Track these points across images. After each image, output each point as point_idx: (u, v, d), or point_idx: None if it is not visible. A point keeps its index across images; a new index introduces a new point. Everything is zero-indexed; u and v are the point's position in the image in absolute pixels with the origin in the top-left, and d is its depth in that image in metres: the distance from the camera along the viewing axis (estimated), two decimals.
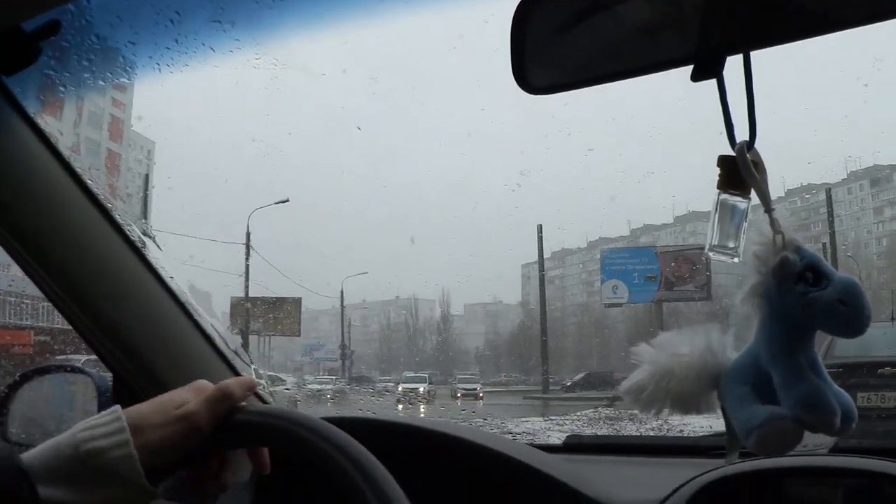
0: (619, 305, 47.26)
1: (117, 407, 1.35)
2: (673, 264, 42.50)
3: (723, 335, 1.46)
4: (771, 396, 1.31)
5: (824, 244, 36.95)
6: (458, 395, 34.48)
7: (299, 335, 44.73)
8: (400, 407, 26.31)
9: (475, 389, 37.07)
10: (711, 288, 42.34)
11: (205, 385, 1.43)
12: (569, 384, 40.94)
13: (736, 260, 1.34)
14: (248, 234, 35.32)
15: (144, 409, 1.37)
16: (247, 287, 35.83)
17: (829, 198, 42.13)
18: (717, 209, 1.34)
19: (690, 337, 1.46)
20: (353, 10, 1.83)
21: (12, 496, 1.21)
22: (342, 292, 47.85)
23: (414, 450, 2.05)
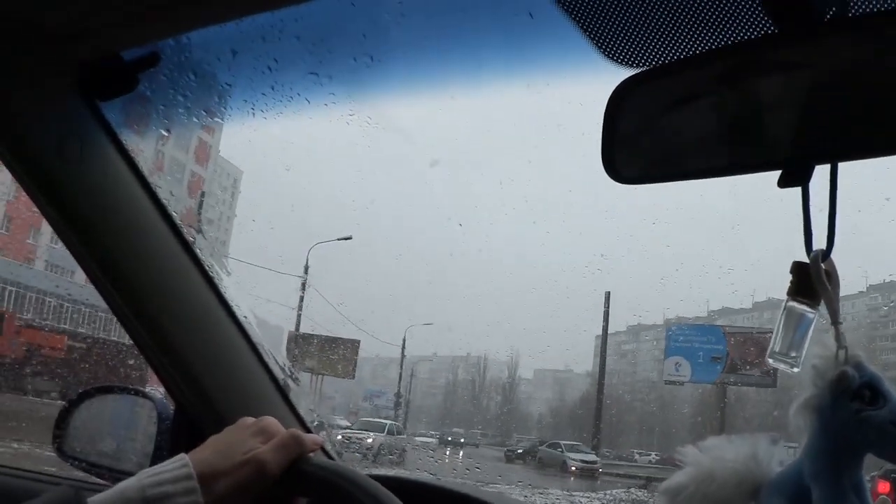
0: (681, 384, 45.69)
1: (184, 455, 1.36)
2: (741, 347, 41.21)
3: (771, 445, 1.41)
4: None
5: None
6: (572, 469, 29.98)
7: (353, 377, 44.15)
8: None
9: (595, 464, 31.46)
10: (778, 376, 41.14)
11: (272, 427, 1.45)
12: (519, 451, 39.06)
13: (795, 370, 1.31)
14: (306, 267, 35.45)
15: (210, 456, 1.38)
16: (298, 319, 35.87)
17: None
18: (783, 316, 1.31)
19: (738, 443, 1.41)
20: (448, 78, 1.84)
21: None
22: (404, 341, 47.77)
23: None
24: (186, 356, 2.03)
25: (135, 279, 1.94)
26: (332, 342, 39.31)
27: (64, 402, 2.46)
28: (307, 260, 35.88)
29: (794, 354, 1.31)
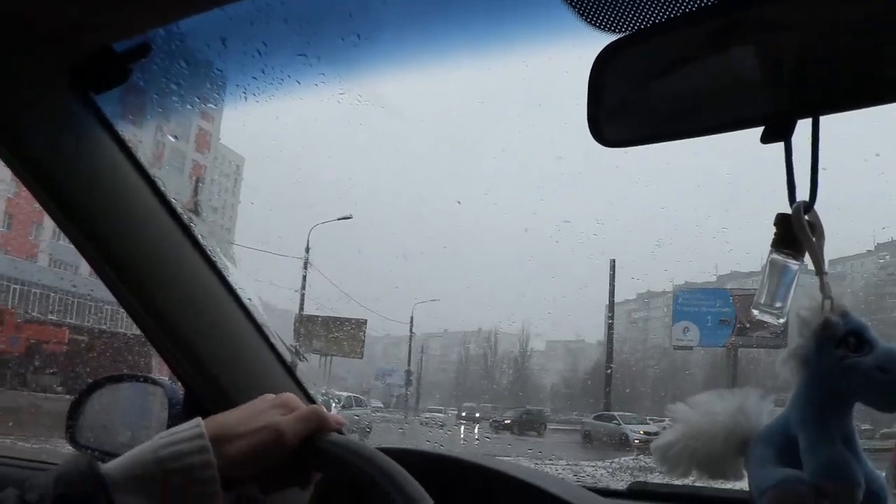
0: (690, 349, 44.97)
1: (198, 418, 1.38)
2: (749, 309, 40.71)
3: (760, 399, 1.43)
4: (796, 462, 1.28)
5: None
6: (635, 441, 26.18)
7: (361, 357, 43.69)
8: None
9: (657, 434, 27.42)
10: (788, 336, 40.70)
11: (293, 401, 1.46)
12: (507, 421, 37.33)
13: (781, 321, 1.32)
14: (307, 248, 35.23)
15: (227, 419, 1.40)
16: (302, 299, 35.69)
17: None
18: (767, 267, 1.32)
19: (726, 398, 1.43)
20: (435, 53, 1.85)
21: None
22: (412, 318, 47.62)
23: (466, 485, 2.06)
24: (193, 340, 2.06)
25: (138, 268, 1.96)
26: (339, 322, 38.89)
27: (70, 396, 2.48)
28: (308, 241, 35.66)
29: (779, 305, 1.32)
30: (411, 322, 47.42)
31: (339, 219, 36.87)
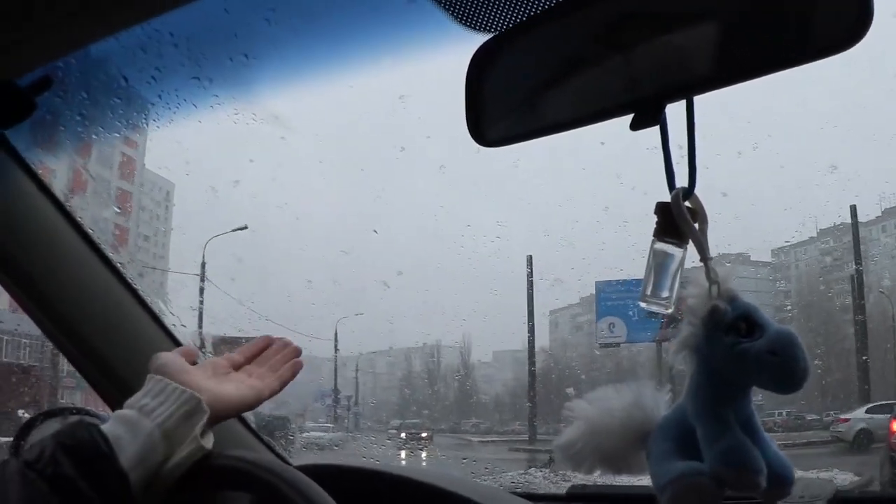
0: (617, 346, 42.51)
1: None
2: (679, 297, 39.84)
3: (657, 391, 1.41)
4: (696, 453, 1.25)
5: (852, 276, 35.45)
6: None
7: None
8: None
9: None
10: None
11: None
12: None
13: (669, 311, 1.31)
14: (203, 265, 34.51)
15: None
16: (200, 315, 35.06)
17: (854, 227, 39.41)
18: (650, 257, 1.30)
19: (623, 393, 1.41)
20: (321, 67, 1.88)
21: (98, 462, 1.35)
22: (336, 335, 46.97)
23: (384, 496, 2.07)
24: (115, 366, 2.08)
25: (57, 298, 1.98)
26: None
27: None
28: (203, 256, 34.80)
29: (665, 295, 1.30)
30: (336, 338, 46.73)
31: (234, 230, 36.06)
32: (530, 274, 36.00)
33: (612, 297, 41.22)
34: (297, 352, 1.76)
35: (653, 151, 1.26)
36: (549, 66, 1.34)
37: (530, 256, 36.28)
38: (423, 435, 32.58)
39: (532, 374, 38.29)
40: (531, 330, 39.02)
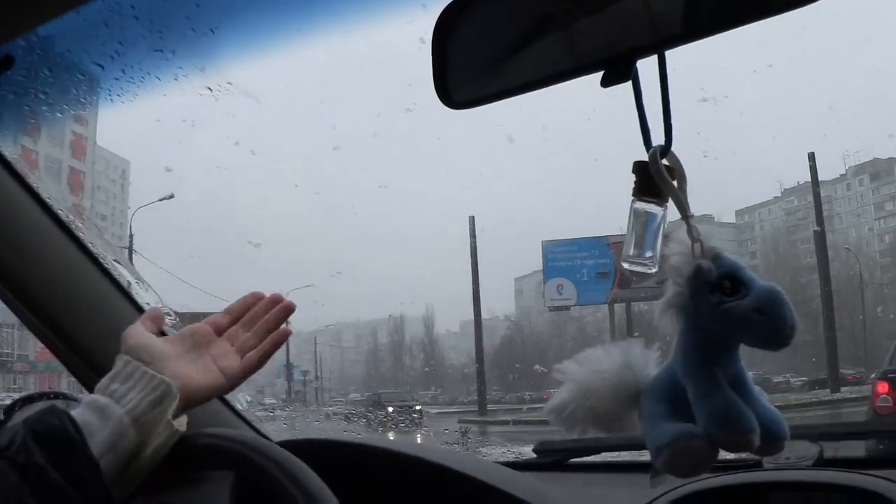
0: (567, 308, 42.58)
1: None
2: None
3: (646, 350, 1.41)
4: (688, 414, 1.26)
5: (815, 231, 35.34)
6: None
7: None
8: None
9: None
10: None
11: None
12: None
13: (653, 271, 1.30)
14: (130, 236, 34.06)
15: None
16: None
17: (815, 185, 38.73)
18: (630, 218, 1.29)
19: (612, 353, 1.41)
20: (287, 35, 1.86)
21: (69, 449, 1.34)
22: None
23: (366, 469, 2.05)
24: (91, 349, 2.06)
25: (27, 276, 1.97)
26: (192, 317, 37.90)
27: None
28: (130, 227, 34.29)
29: (649, 255, 1.29)
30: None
31: (160, 199, 35.72)
32: (473, 237, 35.46)
33: (559, 258, 40.40)
34: (289, 309, 1.70)
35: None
36: (517, 24, 1.32)
37: (472, 217, 35.73)
38: (418, 407, 32.23)
39: (479, 346, 38.91)
40: (476, 296, 39.25)
